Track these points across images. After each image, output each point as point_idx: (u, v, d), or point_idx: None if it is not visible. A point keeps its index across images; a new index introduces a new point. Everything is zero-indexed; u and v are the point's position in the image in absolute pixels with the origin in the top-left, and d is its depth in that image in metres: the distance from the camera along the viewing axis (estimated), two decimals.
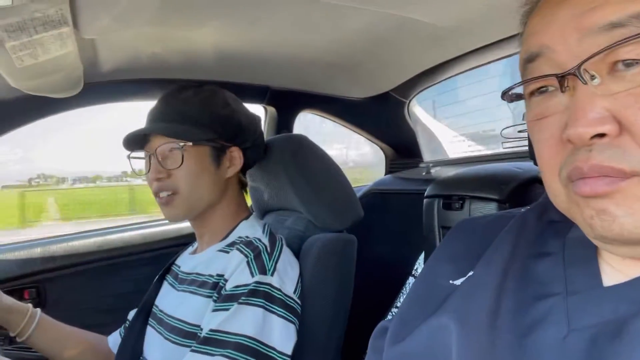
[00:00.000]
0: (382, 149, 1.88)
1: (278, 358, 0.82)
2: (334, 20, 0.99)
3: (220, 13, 0.93)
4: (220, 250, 0.95)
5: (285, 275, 0.90)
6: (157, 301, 1.03)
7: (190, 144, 0.93)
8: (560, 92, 0.39)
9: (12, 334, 0.99)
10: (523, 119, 0.48)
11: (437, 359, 0.47)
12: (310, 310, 0.93)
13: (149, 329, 1.00)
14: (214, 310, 0.84)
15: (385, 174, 1.89)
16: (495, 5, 0.88)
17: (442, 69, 1.34)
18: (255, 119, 1.05)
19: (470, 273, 0.52)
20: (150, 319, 1.02)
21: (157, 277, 1.09)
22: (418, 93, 1.59)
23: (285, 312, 0.86)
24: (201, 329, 0.85)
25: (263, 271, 0.86)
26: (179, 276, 1.01)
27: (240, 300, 0.82)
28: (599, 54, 0.37)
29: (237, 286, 0.84)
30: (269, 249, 0.91)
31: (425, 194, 1.09)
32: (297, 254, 1.00)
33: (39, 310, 1.01)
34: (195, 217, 1.00)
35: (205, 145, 0.95)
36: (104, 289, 1.37)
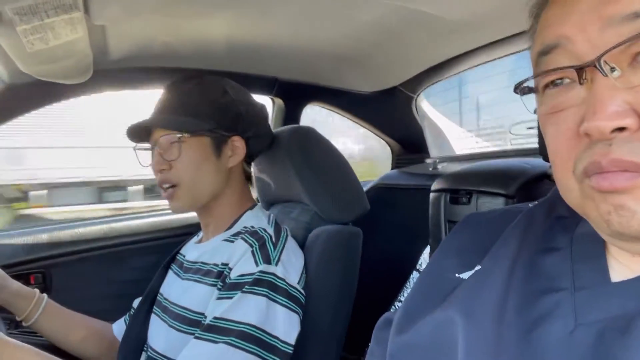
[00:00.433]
0: (388, 143, 1.87)
1: (281, 347, 0.82)
2: (344, 13, 0.98)
3: (231, 4, 0.92)
4: (226, 240, 0.95)
5: (290, 266, 0.90)
6: (162, 289, 1.04)
7: (188, 135, 0.93)
8: (578, 84, 0.38)
9: (18, 318, 1.00)
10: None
11: (442, 351, 0.47)
12: (314, 301, 0.93)
13: (153, 317, 1.01)
14: (218, 299, 0.84)
15: (392, 168, 1.89)
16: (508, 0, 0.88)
17: (451, 64, 1.33)
18: (257, 108, 1.03)
19: (478, 267, 0.52)
20: (154, 306, 1.03)
21: (162, 265, 1.10)
22: (426, 88, 1.59)
23: (289, 301, 0.86)
24: (205, 317, 0.85)
25: (267, 261, 0.86)
26: (184, 265, 1.01)
27: (244, 289, 0.82)
28: (622, 44, 0.36)
29: (241, 275, 0.84)
30: (273, 239, 0.91)
31: (432, 188, 1.08)
32: (302, 245, 1.00)
33: (45, 295, 1.02)
34: (201, 207, 1.00)
35: (205, 135, 0.95)
36: (109, 276, 1.38)
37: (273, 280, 0.85)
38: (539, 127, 0.55)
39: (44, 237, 1.32)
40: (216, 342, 0.79)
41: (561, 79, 0.41)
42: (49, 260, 1.30)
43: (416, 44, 1.19)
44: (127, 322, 1.09)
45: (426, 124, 1.74)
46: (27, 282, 1.24)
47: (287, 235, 0.95)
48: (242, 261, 0.86)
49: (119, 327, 1.10)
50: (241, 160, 1.00)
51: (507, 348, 0.42)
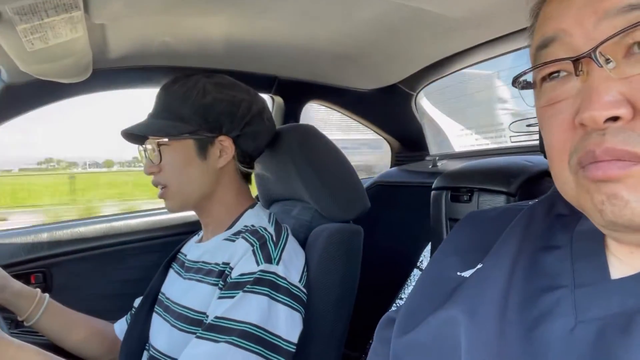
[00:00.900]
0: (388, 141, 1.88)
1: (284, 346, 0.83)
2: (343, 11, 0.98)
3: (230, 2, 0.92)
4: (226, 239, 0.95)
5: (291, 264, 0.90)
6: (164, 289, 1.04)
7: (167, 139, 0.93)
8: (575, 76, 0.39)
9: (20, 318, 1.00)
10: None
11: (446, 350, 0.47)
12: (316, 300, 0.93)
13: (155, 316, 1.01)
14: (220, 298, 0.84)
15: (391, 166, 1.89)
16: None
17: (450, 62, 1.33)
18: (246, 105, 0.98)
19: (479, 265, 0.52)
20: (156, 306, 1.03)
21: (163, 264, 1.10)
22: (426, 86, 1.59)
23: (291, 300, 0.86)
24: (207, 316, 0.86)
25: (268, 260, 0.86)
26: (185, 264, 1.01)
27: (245, 289, 0.83)
28: (616, 35, 0.36)
29: (242, 274, 0.84)
30: (274, 238, 0.91)
31: (433, 186, 1.08)
32: (303, 243, 1.00)
33: (47, 295, 1.02)
34: (195, 208, 1.00)
35: (187, 138, 0.94)
36: (110, 275, 1.38)
37: (274, 279, 0.85)
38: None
39: (44, 237, 1.32)
40: (217, 342, 0.79)
41: (558, 71, 0.42)
42: (50, 259, 1.30)
43: (415, 42, 1.19)
44: (129, 321, 1.09)
45: (426, 122, 1.74)
46: (27, 282, 1.24)
47: (287, 234, 0.95)
48: (243, 260, 0.86)
49: (120, 327, 1.10)
50: (232, 160, 0.99)
51: (509, 346, 0.42)
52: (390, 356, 0.52)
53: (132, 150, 1.03)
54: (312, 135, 1.08)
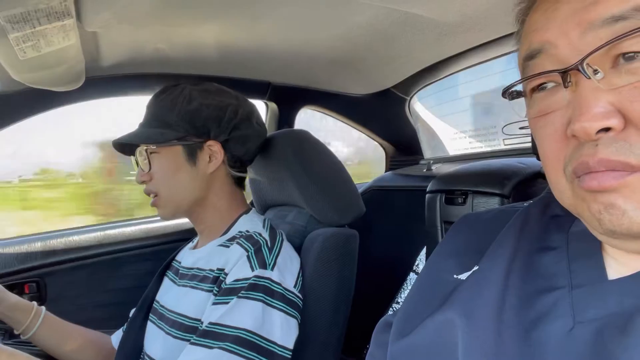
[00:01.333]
0: (382, 145, 1.88)
1: (279, 352, 0.82)
2: (337, 16, 0.99)
3: (223, 9, 0.92)
4: (221, 245, 0.95)
5: (286, 270, 0.90)
6: (158, 297, 1.03)
7: (155, 146, 0.94)
8: (563, 87, 0.39)
9: (16, 332, 0.99)
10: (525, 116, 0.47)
11: (443, 353, 0.47)
12: (312, 305, 0.93)
13: (149, 324, 1.00)
14: (214, 304, 0.84)
15: (386, 170, 1.89)
16: (498, 1, 0.88)
17: (443, 66, 1.34)
18: (233, 109, 0.98)
19: (475, 268, 0.52)
20: (150, 314, 1.02)
21: (157, 272, 1.09)
22: (419, 90, 1.59)
23: (286, 306, 0.86)
24: (202, 323, 0.85)
25: (263, 265, 0.86)
26: (180, 271, 1.01)
27: (239, 294, 0.82)
28: (602, 47, 0.36)
29: (237, 280, 0.84)
30: (269, 243, 0.91)
31: (428, 189, 1.09)
32: (298, 249, 1.00)
33: (43, 308, 1.01)
34: (187, 214, 1.00)
35: (176, 145, 0.94)
36: (104, 284, 1.37)
37: (269, 285, 0.84)
38: None
39: (37, 246, 1.31)
40: (211, 348, 0.78)
41: (547, 83, 0.42)
42: (44, 268, 1.29)
43: (408, 46, 1.19)
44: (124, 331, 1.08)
45: (420, 126, 1.75)
46: (21, 291, 1.23)
47: (282, 240, 0.95)
48: (237, 266, 0.86)
49: (117, 338, 1.09)
50: (223, 165, 0.98)
51: (507, 348, 0.42)
52: None
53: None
54: (307, 141, 1.08)
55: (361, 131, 1.78)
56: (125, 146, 0.98)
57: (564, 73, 0.39)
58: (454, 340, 0.46)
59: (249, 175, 1.10)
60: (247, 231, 0.94)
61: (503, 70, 1.31)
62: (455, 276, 0.53)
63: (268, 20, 1.00)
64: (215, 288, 0.87)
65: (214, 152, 0.96)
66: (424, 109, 1.73)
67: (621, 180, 0.36)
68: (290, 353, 0.84)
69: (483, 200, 0.94)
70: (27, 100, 1.13)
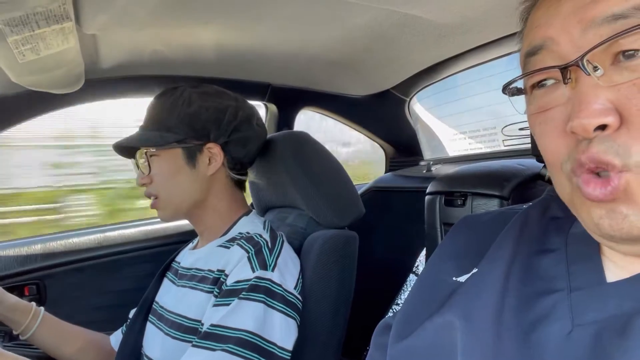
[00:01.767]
0: (382, 146, 1.88)
1: (279, 353, 0.82)
2: (336, 18, 0.98)
3: (222, 10, 0.92)
4: (221, 246, 0.95)
5: (286, 271, 0.90)
6: (158, 297, 1.03)
7: (154, 149, 0.94)
8: (563, 84, 0.39)
9: (15, 332, 0.99)
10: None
11: (442, 356, 0.47)
12: (311, 307, 0.93)
13: (149, 325, 1.00)
14: (215, 305, 0.84)
15: (386, 171, 1.90)
16: (497, 2, 0.88)
17: (443, 67, 1.34)
18: (233, 111, 0.98)
19: (475, 270, 0.52)
20: (150, 315, 1.02)
21: (157, 274, 1.09)
22: (419, 91, 1.59)
23: (286, 307, 0.86)
24: (202, 324, 0.85)
25: (264, 267, 0.86)
26: (179, 271, 1.01)
27: (240, 296, 0.82)
28: (602, 44, 0.37)
29: (237, 281, 0.84)
30: (269, 244, 0.91)
31: (427, 191, 1.09)
32: (298, 250, 1.00)
33: (42, 308, 1.01)
34: (187, 216, 1.01)
35: (176, 147, 0.95)
36: (104, 286, 1.37)
37: (269, 286, 0.85)
38: None
39: (37, 248, 1.31)
40: (214, 350, 0.78)
41: (547, 79, 0.42)
42: (43, 271, 1.29)
43: (408, 48, 1.19)
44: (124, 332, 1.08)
45: (419, 127, 1.75)
46: (21, 294, 1.23)
47: (283, 241, 0.95)
48: (238, 267, 0.86)
49: (116, 339, 1.09)
50: (222, 167, 0.98)
51: (506, 350, 0.42)
52: None
53: None
54: (306, 142, 1.08)
55: (361, 132, 1.78)
56: (125, 149, 0.99)
57: (564, 69, 0.39)
58: (453, 342, 0.46)
59: (249, 178, 1.10)
60: (248, 232, 0.94)
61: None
62: (454, 278, 0.54)
63: (267, 22, 1.00)
64: (216, 289, 0.87)
65: (213, 155, 0.97)
66: (424, 110, 1.73)
67: (620, 189, 0.37)
68: (290, 355, 0.84)
69: (482, 202, 0.94)
70: (27, 103, 1.13)
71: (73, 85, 1.05)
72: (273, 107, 1.54)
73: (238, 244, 0.90)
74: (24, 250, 1.29)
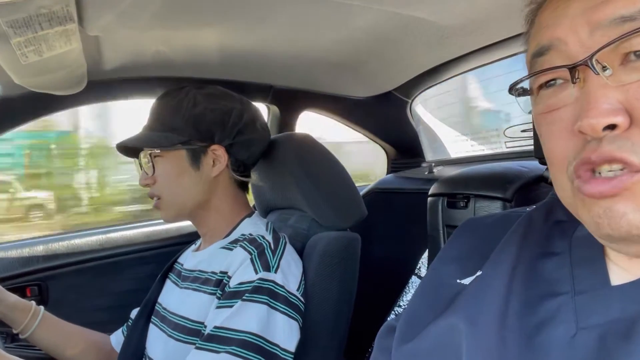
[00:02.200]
0: (384, 148, 1.88)
1: (282, 355, 0.82)
2: (338, 20, 0.98)
3: (225, 12, 0.92)
4: (223, 248, 0.95)
5: (289, 273, 0.90)
6: (160, 299, 1.03)
7: (159, 150, 0.94)
8: (571, 83, 0.39)
9: (15, 331, 0.99)
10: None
11: (447, 359, 0.47)
12: (314, 308, 0.93)
13: (151, 327, 1.00)
14: (218, 307, 0.84)
15: (387, 173, 1.89)
16: (500, 4, 0.88)
17: (445, 68, 1.34)
18: (238, 113, 0.98)
19: (479, 273, 0.52)
20: (153, 316, 1.02)
21: (159, 275, 1.09)
22: (421, 92, 1.59)
23: (289, 309, 0.86)
24: (205, 326, 0.85)
25: (267, 268, 0.86)
26: (182, 273, 1.01)
27: (244, 297, 0.82)
28: (611, 44, 0.37)
29: (240, 283, 0.84)
30: (272, 246, 0.91)
31: (430, 193, 1.08)
32: (300, 252, 1.00)
33: (42, 307, 1.02)
34: (190, 217, 1.01)
35: (180, 149, 0.95)
36: (106, 287, 1.37)
37: (273, 288, 0.85)
38: (534, 130, 0.56)
39: (39, 249, 1.31)
40: (218, 352, 0.78)
41: (555, 79, 0.42)
42: (45, 272, 1.29)
43: (410, 49, 1.19)
44: (126, 332, 1.08)
45: (421, 128, 1.75)
46: (23, 295, 1.23)
47: (285, 243, 0.95)
48: (241, 269, 0.86)
49: (117, 339, 1.09)
50: (226, 169, 0.98)
51: (510, 353, 0.42)
52: None
53: None
54: (308, 144, 1.08)
55: (363, 133, 1.78)
56: (129, 149, 0.98)
57: (573, 69, 0.39)
58: (457, 345, 0.46)
59: (251, 180, 1.10)
60: (250, 234, 0.94)
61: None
62: (458, 281, 0.54)
63: (270, 24, 1.00)
64: (219, 291, 0.87)
65: (217, 157, 0.97)
66: (426, 111, 1.73)
67: (621, 185, 0.36)
68: (292, 356, 0.84)
69: (485, 204, 0.93)
70: (30, 104, 1.14)
71: (75, 87, 1.05)
72: (275, 109, 1.54)
73: (241, 246, 0.90)
74: (26, 252, 1.29)
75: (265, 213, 1.23)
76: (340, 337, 0.99)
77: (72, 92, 1.07)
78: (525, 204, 0.60)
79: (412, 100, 1.65)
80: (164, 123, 0.95)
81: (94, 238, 1.39)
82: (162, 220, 1.51)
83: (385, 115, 1.70)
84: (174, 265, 1.09)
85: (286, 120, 1.55)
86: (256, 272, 0.85)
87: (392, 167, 1.88)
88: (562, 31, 0.41)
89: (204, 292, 0.90)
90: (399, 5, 0.88)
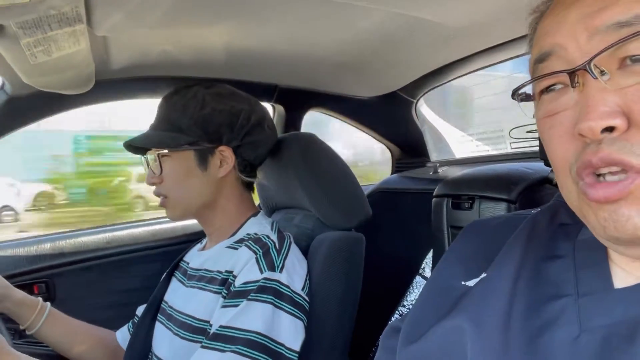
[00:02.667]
0: (388, 148, 1.88)
1: (287, 354, 0.83)
2: (344, 20, 0.99)
3: (231, 12, 0.93)
4: (229, 247, 0.95)
5: (294, 272, 0.90)
6: (167, 297, 1.04)
7: (167, 150, 0.94)
8: (571, 88, 0.40)
9: (21, 327, 1.00)
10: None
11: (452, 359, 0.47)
12: (318, 308, 0.93)
13: (157, 325, 1.01)
14: (223, 307, 0.85)
15: (392, 173, 1.89)
16: (505, 6, 0.88)
17: (450, 69, 1.34)
18: (246, 115, 0.98)
19: (483, 275, 0.52)
20: (159, 314, 1.03)
21: (165, 273, 1.10)
22: (426, 93, 1.59)
23: (294, 309, 0.86)
24: (210, 325, 0.86)
25: (272, 268, 0.86)
26: (188, 272, 1.02)
27: (249, 297, 0.83)
28: (608, 48, 0.38)
29: (246, 282, 0.85)
30: (277, 245, 0.91)
31: (434, 194, 1.09)
32: (305, 252, 1.00)
33: (48, 304, 1.03)
34: (196, 216, 1.01)
35: (188, 149, 0.95)
36: (112, 285, 1.38)
37: (278, 287, 0.85)
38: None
39: (46, 247, 1.32)
40: (223, 351, 0.79)
41: (555, 84, 0.43)
42: (52, 269, 1.30)
43: (415, 50, 1.19)
44: (131, 330, 1.09)
45: (426, 128, 1.75)
46: (30, 292, 1.24)
47: (290, 242, 0.95)
48: (246, 268, 0.87)
49: (122, 335, 1.10)
50: (233, 169, 0.99)
51: (514, 355, 0.42)
52: None
53: None
54: (314, 144, 1.08)
55: (367, 133, 1.78)
56: (136, 147, 0.99)
57: (572, 73, 0.40)
58: (462, 346, 0.46)
59: (257, 180, 1.10)
60: (256, 234, 0.94)
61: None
62: (463, 282, 0.54)
63: (276, 24, 1.00)
64: (224, 290, 0.87)
65: (225, 157, 0.97)
66: (431, 112, 1.73)
67: (626, 190, 0.37)
68: (297, 355, 0.84)
69: (490, 205, 0.93)
70: (39, 104, 1.14)
71: (83, 86, 1.06)
72: (280, 108, 1.55)
73: (246, 245, 0.90)
74: (33, 249, 1.30)
75: (270, 212, 1.23)
76: (345, 336, 0.99)
77: (80, 91, 1.08)
78: (530, 205, 0.61)
79: (417, 101, 1.65)
80: (172, 123, 0.96)
81: (100, 236, 1.40)
82: (168, 219, 1.53)
83: (390, 115, 1.70)
84: (180, 264, 1.09)
85: (291, 119, 1.55)
86: (261, 272, 0.85)
87: (397, 167, 1.88)
88: (562, 37, 0.42)
89: (210, 290, 0.91)
90: (404, 6, 0.88)
